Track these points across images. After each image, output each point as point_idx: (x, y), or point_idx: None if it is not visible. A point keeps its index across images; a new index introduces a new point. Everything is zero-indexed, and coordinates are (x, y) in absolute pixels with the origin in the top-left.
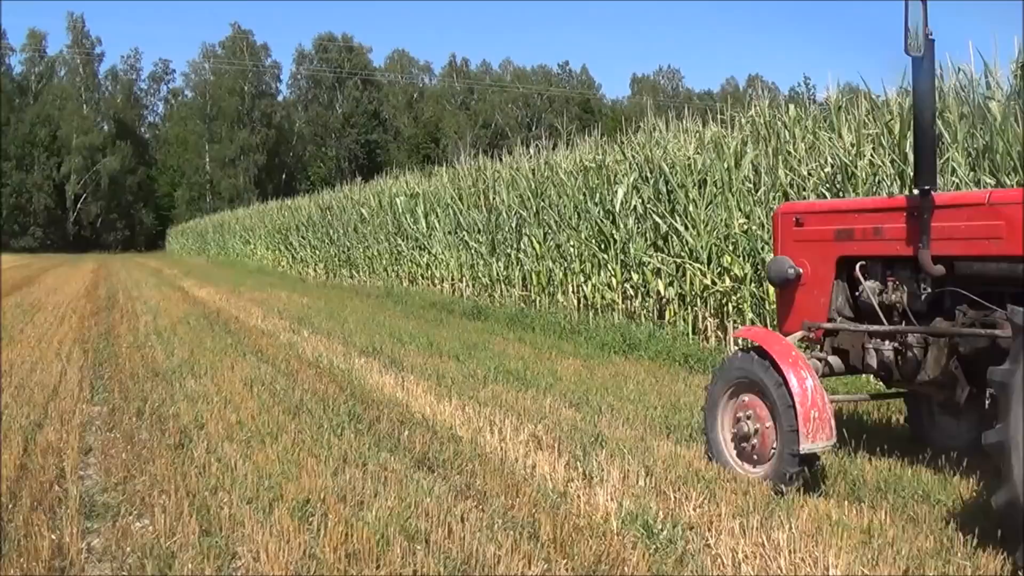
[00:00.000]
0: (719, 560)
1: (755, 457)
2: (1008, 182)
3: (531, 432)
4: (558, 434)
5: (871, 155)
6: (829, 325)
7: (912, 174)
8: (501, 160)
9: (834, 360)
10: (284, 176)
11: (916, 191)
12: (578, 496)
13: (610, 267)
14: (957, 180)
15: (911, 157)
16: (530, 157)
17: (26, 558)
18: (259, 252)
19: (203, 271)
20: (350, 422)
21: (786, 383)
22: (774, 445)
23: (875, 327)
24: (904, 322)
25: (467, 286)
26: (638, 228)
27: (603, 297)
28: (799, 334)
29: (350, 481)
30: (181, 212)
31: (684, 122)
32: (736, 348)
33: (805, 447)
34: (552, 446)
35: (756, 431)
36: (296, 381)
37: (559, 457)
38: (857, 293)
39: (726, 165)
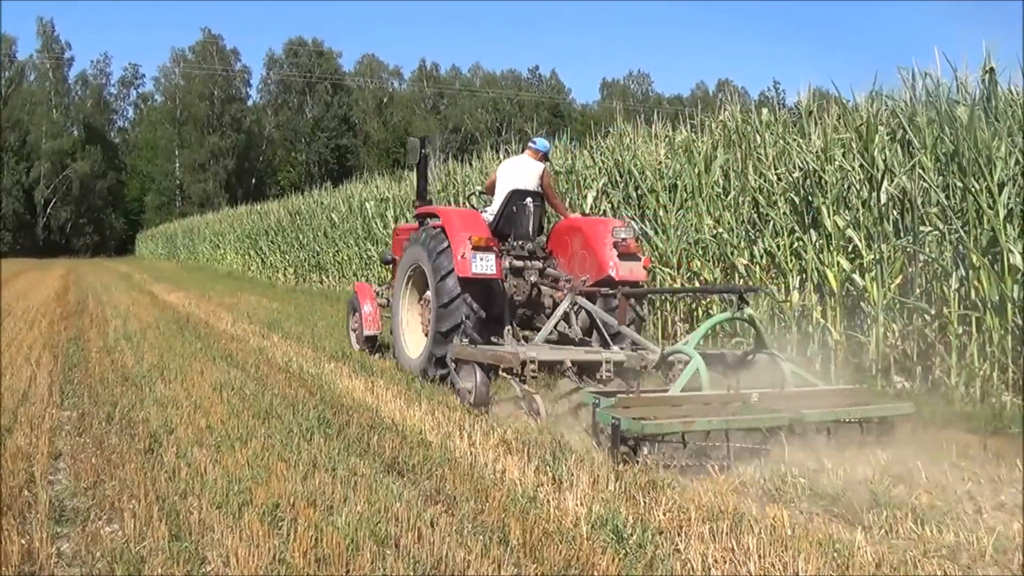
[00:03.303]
0: (689, 565)
1: (359, 341)
2: (976, 185)
3: (501, 437)
4: (528, 439)
5: (841, 160)
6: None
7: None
8: (471, 164)
9: None
10: (254, 181)
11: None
12: (548, 501)
13: None
14: (926, 184)
15: (879, 162)
16: (500, 162)
17: None
18: (229, 257)
19: (173, 276)
20: (320, 427)
21: (361, 306)
22: (362, 334)
23: None
24: None
25: None
26: None
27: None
28: (383, 287)
29: (320, 486)
30: (151, 217)
31: (654, 127)
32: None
33: (366, 333)
34: (522, 451)
35: (358, 328)
36: (266, 386)
37: (529, 462)
38: None
39: (696, 170)
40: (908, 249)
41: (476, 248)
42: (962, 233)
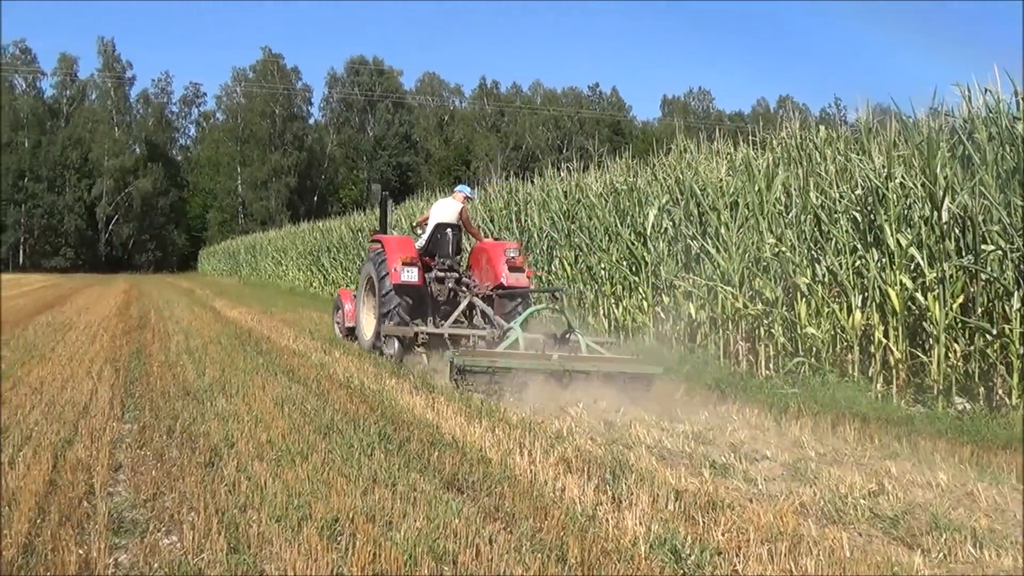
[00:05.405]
0: None
1: (342, 331)
2: None
3: (561, 455)
4: (589, 458)
5: (902, 177)
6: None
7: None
8: (532, 182)
9: None
10: (316, 198)
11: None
12: (607, 520)
13: (641, 290)
14: (988, 202)
15: (941, 179)
16: (561, 179)
17: (53, 572)
18: (291, 273)
19: (235, 292)
20: (380, 443)
21: (344, 305)
22: (344, 326)
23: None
24: None
25: None
26: (669, 250)
27: (634, 319)
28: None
29: (379, 501)
30: (213, 234)
31: (715, 144)
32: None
33: (347, 325)
34: (582, 469)
35: (341, 321)
36: (327, 401)
37: (588, 480)
38: None
39: (757, 187)
40: (970, 268)
41: (404, 264)
42: None
